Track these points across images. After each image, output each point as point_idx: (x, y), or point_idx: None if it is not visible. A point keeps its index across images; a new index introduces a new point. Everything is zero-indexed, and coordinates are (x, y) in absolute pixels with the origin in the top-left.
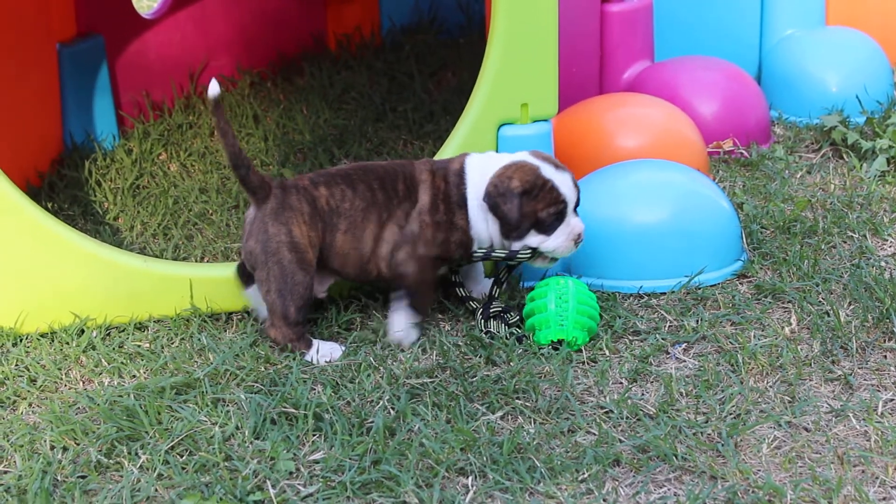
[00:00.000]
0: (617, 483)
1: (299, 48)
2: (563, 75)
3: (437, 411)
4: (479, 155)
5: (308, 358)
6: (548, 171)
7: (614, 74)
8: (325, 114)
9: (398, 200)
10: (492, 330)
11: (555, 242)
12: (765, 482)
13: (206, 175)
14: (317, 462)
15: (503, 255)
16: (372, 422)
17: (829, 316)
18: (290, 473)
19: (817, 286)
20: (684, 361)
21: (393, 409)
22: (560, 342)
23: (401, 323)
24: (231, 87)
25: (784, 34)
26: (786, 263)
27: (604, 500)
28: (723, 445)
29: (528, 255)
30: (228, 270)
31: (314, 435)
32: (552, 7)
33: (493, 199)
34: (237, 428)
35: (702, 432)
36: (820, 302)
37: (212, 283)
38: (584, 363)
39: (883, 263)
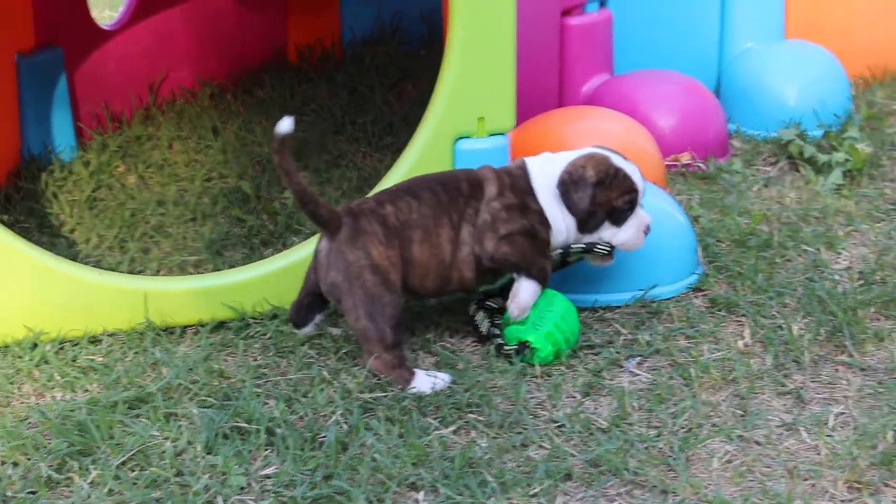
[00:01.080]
0: (568, 497)
1: (260, 60)
2: (521, 88)
3: (389, 426)
4: (537, 156)
5: (411, 389)
6: (619, 161)
7: (573, 87)
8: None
9: (464, 199)
10: (476, 320)
11: (626, 234)
12: (715, 496)
13: (164, 187)
14: (268, 477)
15: (582, 247)
16: (324, 437)
17: (782, 329)
18: (242, 488)
19: (771, 300)
20: (638, 375)
21: (346, 423)
22: (525, 346)
23: (526, 295)
24: (191, 99)
25: (743, 47)
26: (740, 277)
27: None
28: (674, 459)
29: (607, 250)
30: (184, 283)
31: (266, 450)
32: (509, 20)
33: (566, 187)
34: (189, 443)
35: (654, 446)
36: (773, 315)
37: (167, 296)
38: (537, 377)
39: (836, 277)
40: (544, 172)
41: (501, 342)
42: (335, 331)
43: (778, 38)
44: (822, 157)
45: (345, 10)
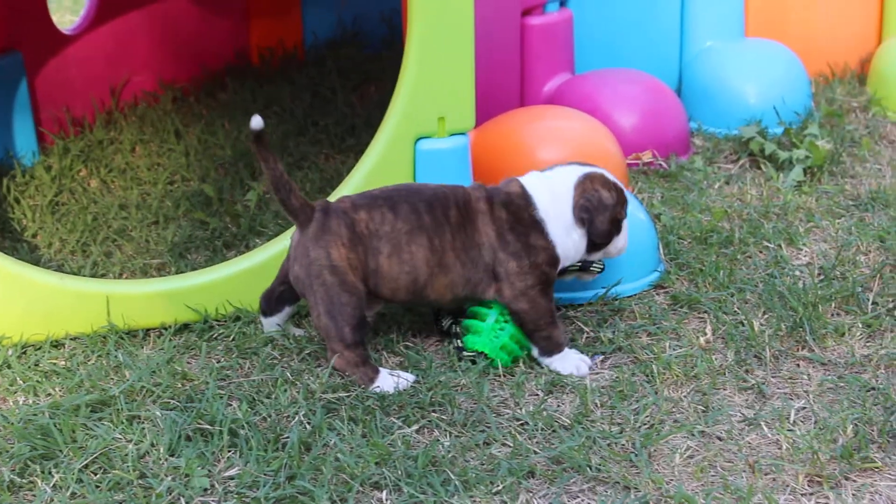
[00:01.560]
0: (531, 495)
1: (222, 63)
2: (482, 88)
3: (352, 426)
4: (530, 176)
5: (374, 388)
6: (610, 175)
7: (535, 87)
8: (247, 129)
9: (451, 229)
10: (441, 322)
11: (623, 239)
12: (677, 492)
13: (126, 191)
14: (231, 478)
15: (577, 266)
16: (287, 437)
17: (743, 325)
18: (205, 490)
19: (732, 296)
20: (601, 372)
21: (309, 424)
22: (483, 354)
23: (565, 367)
24: (153, 103)
25: (703, 46)
26: (702, 274)
27: None
28: (636, 456)
29: (600, 268)
30: (146, 287)
31: (229, 451)
32: (468, 20)
33: (591, 214)
34: (152, 445)
35: (616, 443)
36: (735, 311)
37: (129, 299)
38: (500, 376)
39: (797, 273)
40: (551, 198)
41: (460, 345)
42: (297, 331)
43: (738, 37)
44: (783, 155)
45: (307, 12)
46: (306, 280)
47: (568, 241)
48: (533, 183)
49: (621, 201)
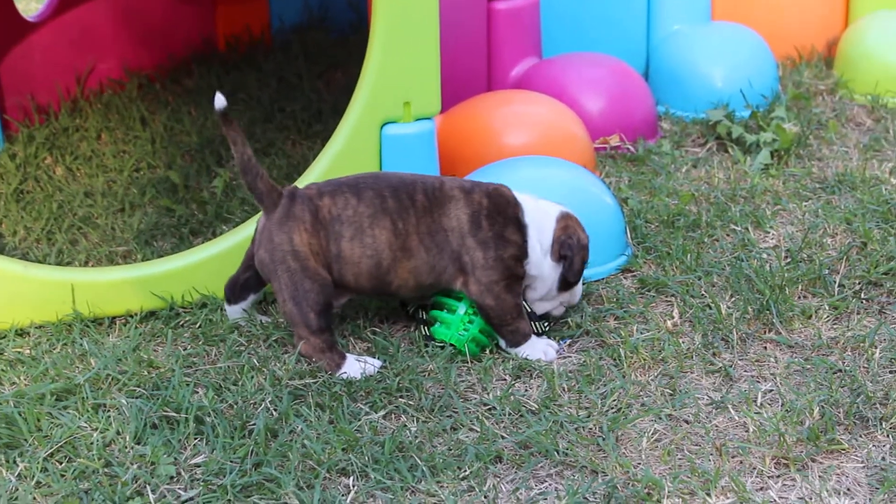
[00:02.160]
0: (498, 480)
1: (189, 49)
2: (448, 73)
3: (319, 412)
4: (519, 192)
5: (340, 373)
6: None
7: (502, 72)
8: (213, 115)
9: (416, 213)
10: (407, 308)
11: (580, 288)
12: (644, 475)
13: (91, 179)
14: (198, 466)
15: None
16: (254, 424)
17: (710, 308)
18: (171, 478)
19: (699, 279)
20: (568, 357)
21: (275, 410)
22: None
23: (533, 354)
24: (119, 90)
25: (671, 30)
26: (669, 257)
27: (484, 497)
28: (603, 440)
29: (544, 330)
30: (112, 274)
31: (196, 438)
32: (433, 5)
33: (572, 251)
34: (118, 433)
35: (583, 427)
36: (702, 295)
37: (95, 287)
38: (468, 361)
39: (764, 255)
40: (537, 218)
41: (428, 334)
42: (264, 318)
43: (705, 20)
44: (750, 138)
45: None
46: (270, 265)
47: (543, 261)
48: (523, 196)
49: (587, 249)
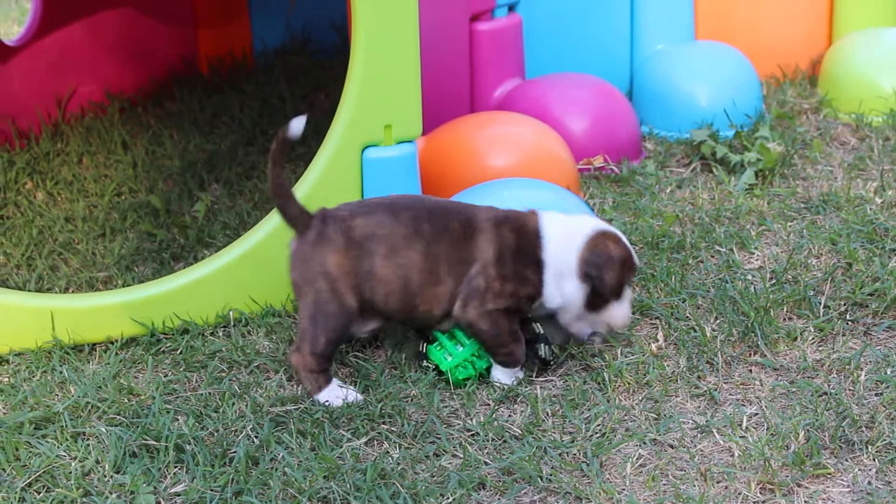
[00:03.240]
0: None
1: (171, 72)
2: (431, 95)
3: (301, 439)
4: (552, 215)
5: (320, 396)
6: (624, 238)
7: (485, 93)
8: (196, 138)
9: (451, 240)
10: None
11: (626, 306)
12: (628, 501)
13: (72, 203)
14: (178, 494)
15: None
16: (235, 452)
17: (695, 331)
18: None
19: (684, 301)
20: (551, 381)
21: (256, 437)
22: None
23: (505, 379)
24: (100, 114)
25: (654, 49)
26: (653, 279)
27: None
28: (588, 465)
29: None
30: (92, 300)
31: (176, 467)
32: (412, 28)
33: (599, 269)
34: (97, 462)
35: (567, 452)
36: (687, 317)
37: (74, 313)
38: (451, 386)
39: (749, 277)
40: (561, 246)
41: (423, 352)
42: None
43: (688, 40)
44: (735, 158)
45: (255, 20)
46: (301, 285)
47: (555, 290)
48: (549, 221)
49: (629, 265)
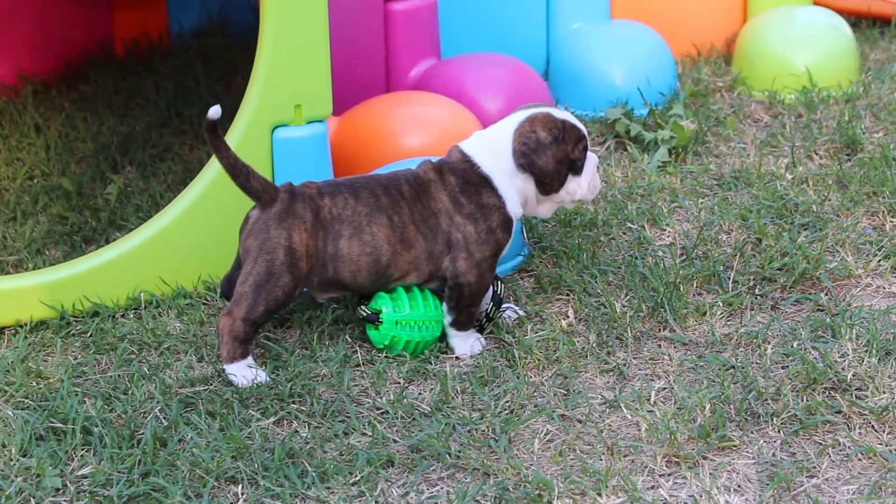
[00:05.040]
0: (389, 484)
1: (85, 54)
2: (345, 75)
3: (210, 420)
4: (473, 136)
5: (229, 368)
6: (559, 113)
7: (400, 73)
8: (110, 121)
9: (409, 203)
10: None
11: (586, 179)
12: (535, 476)
13: None
14: (85, 477)
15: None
16: (143, 434)
17: (605, 307)
18: (57, 490)
19: (595, 278)
20: (461, 358)
21: (165, 419)
22: (376, 317)
23: (462, 346)
24: (13, 96)
25: (570, 28)
26: (565, 256)
27: (375, 502)
28: (496, 441)
29: (518, 314)
30: (1, 284)
31: (83, 450)
32: (322, 6)
33: (529, 157)
34: (3, 446)
35: (476, 429)
36: (597, 294)
37: None
38: (360, 365)
39: (660, 253)
40: (490, 153)
41: (364, 303)
42: None
43: (604, 19)
44: (648, 135)
45: (171, 2)
46: (255, 252)
47: (514, 194)
48: (472, 144)
49: (570, 139)
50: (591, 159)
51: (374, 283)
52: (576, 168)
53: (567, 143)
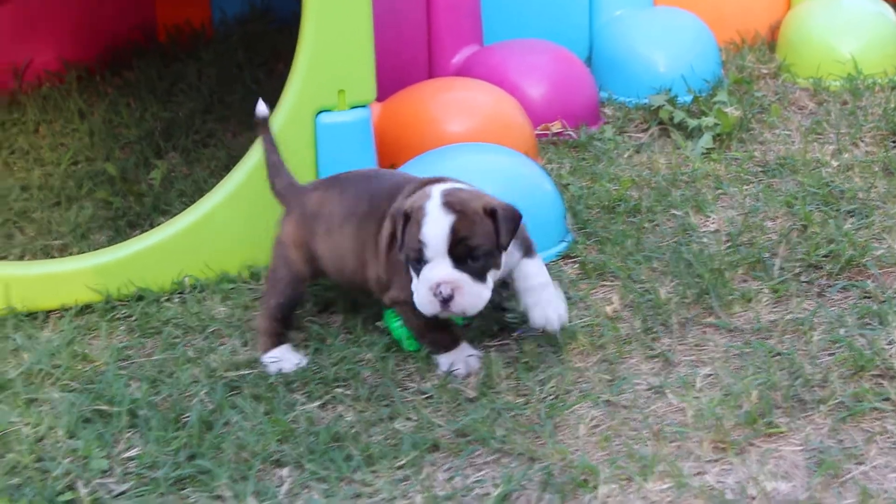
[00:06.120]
0: (434, 468)
1: (128, 41)
2: (389, 61)
3: (255, 403)
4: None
5: (263, 358)
6: (430, 204)
7: (443, 59)
8: (153, 107)
9: (377, 221)
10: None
11: (416, 287)
12: (580, 461)
13: (28, 172)
14: (131, 459)
15: None
16: (188, 417)
17: (650, 294)
18: (103, 472)
19: (639, 264)
20: (507, 344)
21: (210, 402)
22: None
23: (444, 363)
24: (57, 83)
25: (613, 15)
26: (609, 243)
27: (420, 486)
28: (541, 426)
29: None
30: (47, 268)
31: (129, 432)
32: None
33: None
34: (50, 428)
35: (521, 414)
36: (642, 280)
37: (29, 281)
38: (406, 351)
39: (704, 240)
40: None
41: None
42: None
43: (647, 5)
44: (692, 122)
45: None
46: (272, 250)
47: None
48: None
49: (411, 231)
50: (428, 275)
51: (352, 286)
52: (414, 268)
53: (407, 234)
